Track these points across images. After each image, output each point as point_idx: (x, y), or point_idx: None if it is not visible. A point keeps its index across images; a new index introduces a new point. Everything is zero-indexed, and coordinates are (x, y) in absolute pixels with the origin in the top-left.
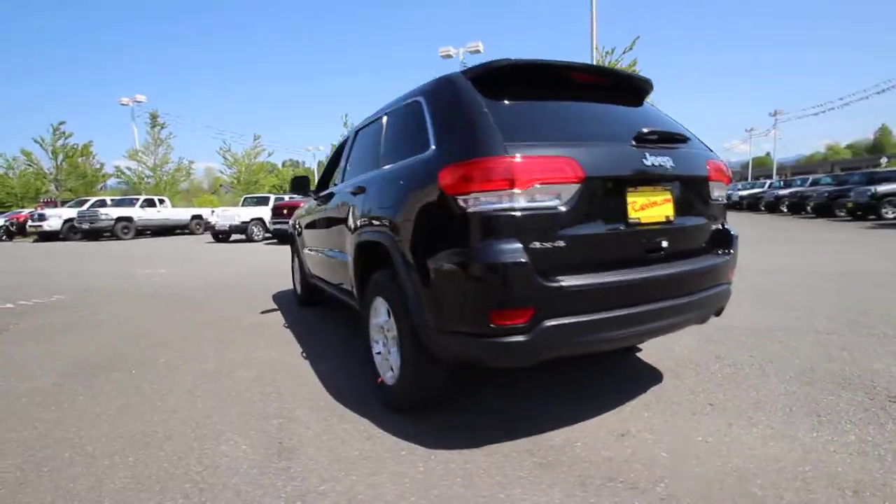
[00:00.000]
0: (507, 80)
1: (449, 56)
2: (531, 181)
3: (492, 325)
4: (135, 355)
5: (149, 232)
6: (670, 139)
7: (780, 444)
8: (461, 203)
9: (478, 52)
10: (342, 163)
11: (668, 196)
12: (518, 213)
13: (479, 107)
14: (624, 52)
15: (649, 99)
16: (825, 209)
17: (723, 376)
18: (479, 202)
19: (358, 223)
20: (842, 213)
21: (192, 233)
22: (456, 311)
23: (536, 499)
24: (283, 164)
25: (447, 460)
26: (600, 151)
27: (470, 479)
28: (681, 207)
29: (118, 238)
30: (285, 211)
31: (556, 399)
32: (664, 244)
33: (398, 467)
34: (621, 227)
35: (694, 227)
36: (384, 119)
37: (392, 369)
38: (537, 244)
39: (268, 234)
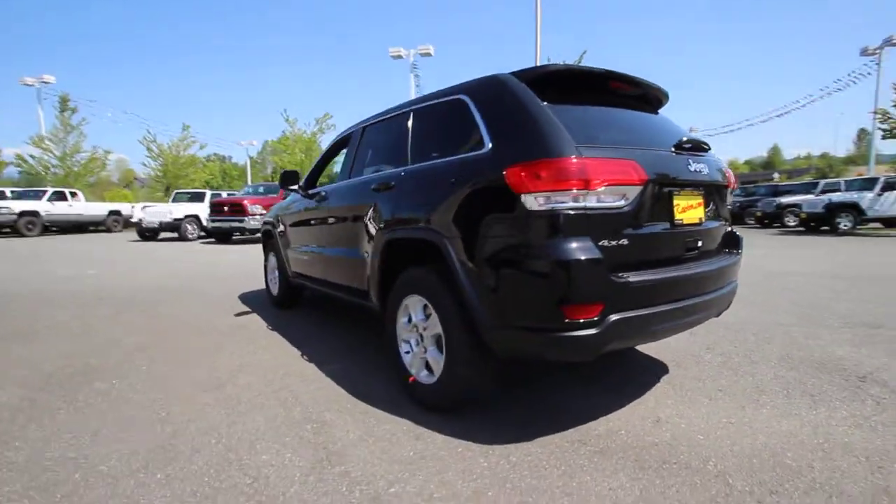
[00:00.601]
0: (558, 84)
1: (399, 56)
2: (603, 182)
3: (566, 321)
4: (109, 364)
5: (55, 229)
6: (700, 148)
7: (791, 422)
8: (533, 201)
9: (428, 54)
10: (347, 159)
11: (701, 200)
12: (590, 212)
13: (542, 108)
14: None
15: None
16: (737, 217)
17: (718, 364)
18: (551, 201)
19: (387, 220)
20: (751, 221)
21: (108, 230)
22: (527, 308)
23: (607, 484)
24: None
25: (506, 454)
26: (655, 156)
27: (538, 471)
28: (708, 210)
29: (21, 235)
30: (226, 208)
31: (581, 392)
32: (699, 244)
33: (462, 464)
34: (669, 228)
35: (716, 228)
36: (410, 116)
37: (428, 368)
38: (605, 242)
39: (203, 233)
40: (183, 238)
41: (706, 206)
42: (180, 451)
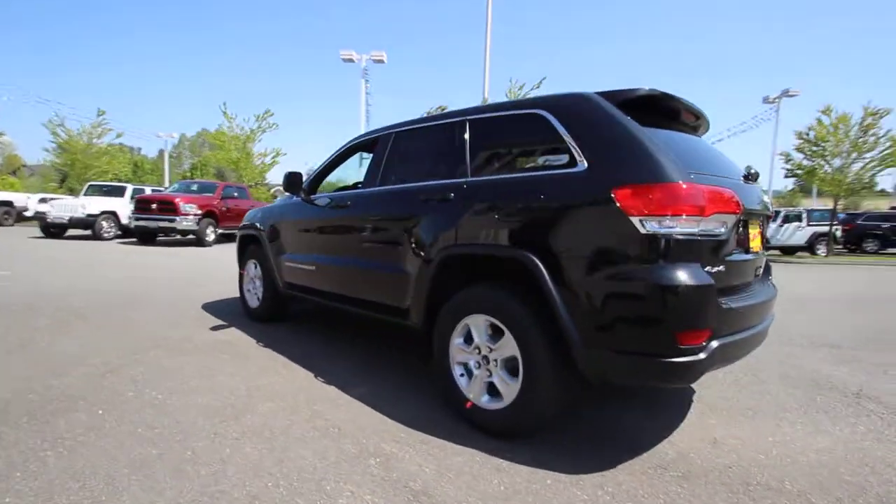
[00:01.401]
0: (642, 108)
1: (350, 60)
2: (714, 210)
3: (678, 346)
4: (81, 389)
5: None
6: (756, 178)
7: (824, 438)
8: (647, 225)
9: (381, 61)
10: (373, 166)
11: (759, 229)
12: (701, 238)
13: (643, 131)
14: (532, 88)
15: None
16: None
17: (732, 383)
18: (666, 225)
19: (444, 235)
20: None
21: None
22: (636, 332)
23: None
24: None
25: (598, 484)
26: (737, 186)
27: (638, 500)
28: (762, 240)
29: None
30: (154, 206)
31: (630, 415)
32: (759, 271)
33: (560, 497)
34: (746, 255)
35: (765, 256)
36: (466, 126)
37: (492, 392)
38: (710, 268)
39: (120, 232)
40: (97, 237)
41: (761, 234)
42: (234, 499)
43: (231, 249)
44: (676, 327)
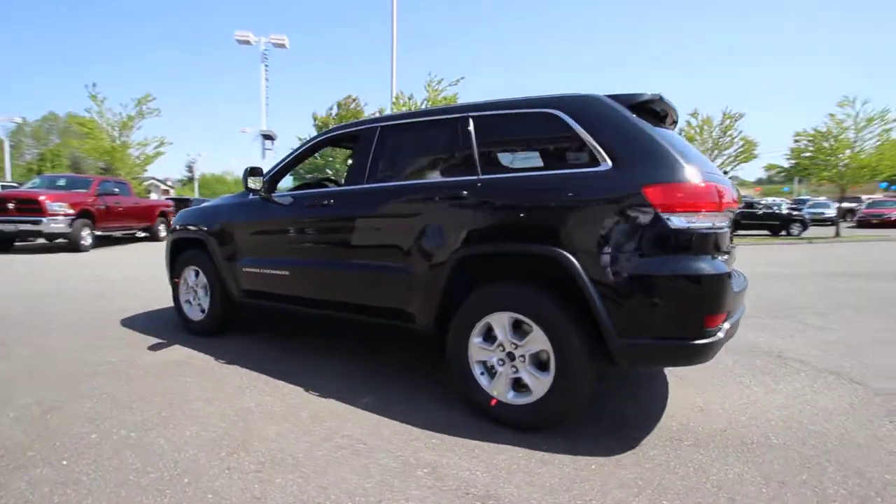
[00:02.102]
0: (644, 111)
1: (247, 42)
2: (727, 204)
3: (704, 329)
4: (23, 437)
5: None
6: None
7: (777, 396)
8: (676, 220)
9: (283, 46)
10: (359, 162)
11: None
12: (716, 231)
13: (658, 133)
14: (450, 85)
15: None
16: None
17: None
18: (692, 220)
19: (459, 234)
20: None
21: None
22: (667, 320)
23: (735, 470)
24: None
25: (636, 462)
26: (723, 179)
27: (677, 472)
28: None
29: None
30: (11, 205)
31: (618, 397)
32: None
33: (612, 480)
34: (731, 244)
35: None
36: (469, 122)
37: (517, 388)
38: (720, 258)
39: None
40: None
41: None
42: None
43: (116, 255)
44: (704, 312)
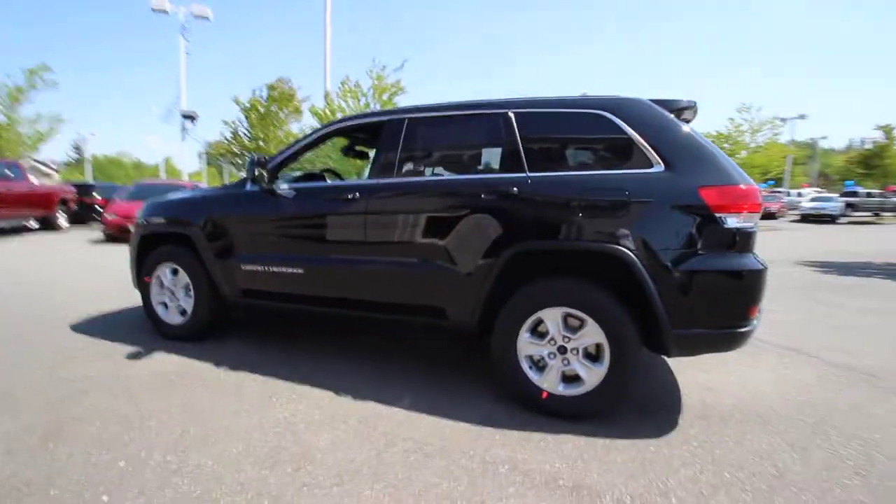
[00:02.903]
0: (679, 116)
1: (163, 11)
2: (762, 206)
3: (747, 319)
4: (28, 470)
5: None
6: None
7: (761, 373)
8: (729, 220)
9: (205, 18)
10: (385, 154)
11: None
12: (754, 230)
13: (704, 139)
14: (394, 70)
15: None
16: None
17: None
18: (740, 220)
19: (516, 230)
20: None
21: None
22: (718, 311)
23: (764, 441)
24: None
25: (685, 440)
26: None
27: (718, 446)
28: None
29: None
30: None
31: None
32: None
33: (674, 457)
34: None
35: None
36: (512, 120)
37: (567, 380)
38: (756, 254)
39: None
40: None
41: None
42: None
43: (15, 249)
44: (749, 303)
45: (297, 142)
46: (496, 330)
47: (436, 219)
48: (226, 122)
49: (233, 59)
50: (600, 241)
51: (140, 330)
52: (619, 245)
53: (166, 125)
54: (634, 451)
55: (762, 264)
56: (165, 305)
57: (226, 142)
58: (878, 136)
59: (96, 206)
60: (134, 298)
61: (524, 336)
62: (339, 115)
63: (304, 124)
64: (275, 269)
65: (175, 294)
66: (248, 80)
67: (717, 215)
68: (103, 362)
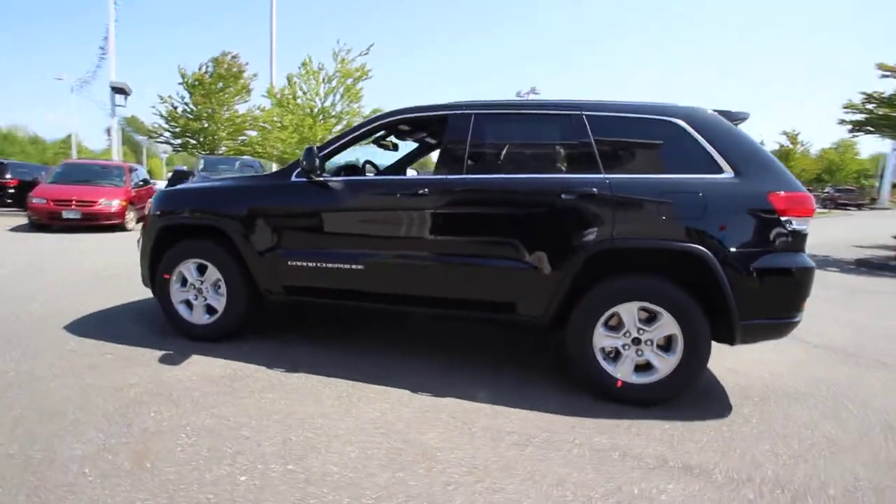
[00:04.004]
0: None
1: None
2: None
3: (800, 310)
4: (137, 492)
5: None
6: None
7: (769, 355)
8: (792, 223)
9: None
10: (452, 150)
11: None
12: (806, 232)
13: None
14: (360, 54)
15: None
16: None
17: None
18: (799, 223)
19: (598, 230)
20: None
21: None
22: (780, 303)
23: (805, 416)
24: None
25: (746, 418)
26: None
27: (783, 423)
28: None
29: None
30: None
31: None
32: None
33: (748, 437)
34: None
35: None
36: (584, 122)
37: (640, 369)
38: None
39: None
40: None
41: None
42: None
43: None
44: (804, 296)
45: (348, 132)
46: (572, 324)
47: (511, 217)
48: (162, 99)
49: (169, 34)
50: (681, 240)
51: (143, 328)
52: (698, 245)
53: (81, 98)
54: (712, 431)
55: (812, 262)
56: (189, 304)
57: (163, 119)
58: (782, 140)
59: (8, 189)
60: (107, 294)
61: (599, 329)
62: (300, 98)
63: (252, 104)
64: (330, 265)
65: (202, 292)
66: (183, 58)
67: (783, 218)
68: (135, 367)
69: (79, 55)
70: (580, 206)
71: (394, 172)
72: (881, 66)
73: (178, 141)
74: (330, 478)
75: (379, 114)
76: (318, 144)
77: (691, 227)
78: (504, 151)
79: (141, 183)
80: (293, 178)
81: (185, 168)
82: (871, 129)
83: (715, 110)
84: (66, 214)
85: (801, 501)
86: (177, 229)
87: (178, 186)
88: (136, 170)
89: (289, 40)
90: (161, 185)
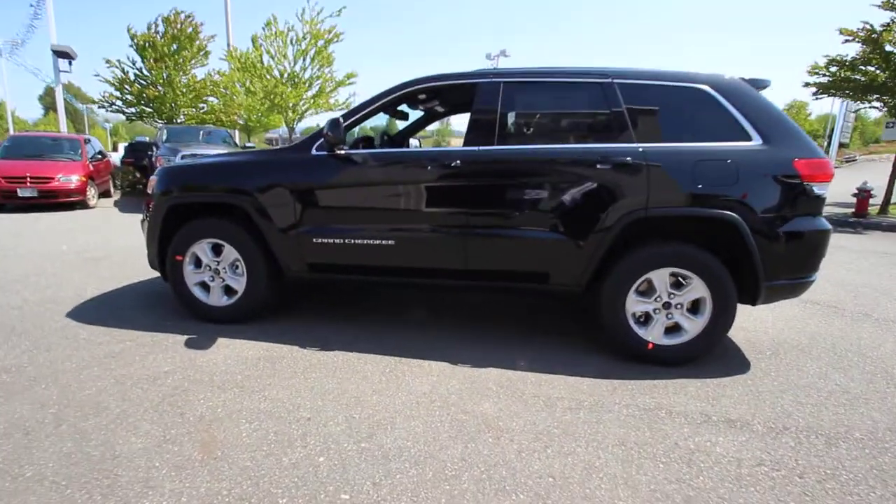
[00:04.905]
0: None
1: None
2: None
3: (817, 269)
4: (249, 479)
5: None
6: None
7: (784, 314)
8: (815, 188)
9: None
10: (480, 120)
11: None
12: (826, 196)
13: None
14: (330, 15)
15: None
16: None
17: None
18: (821, 187)
19: (634, 199)
20: None
21: None
22: (805, 263)
23: (813, 367)
24: None
25: (766, 372)
26: None
27: (802, 375)
28: None
29: None
30: None
31: None
32: None
33: (775, 389)
34: None
35: None
36: (615, 90)
37: (669, 331)
38: None
39: None
40: None
41: None
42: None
43: None
44: (822, 256)
45: (372, 101)
46: (606, 292)
47: (546, 188)
48: (110, 63)
49: None
50: (713, 207)
51: (153, 312)
52: (731, 211)
53: (11, 64)
54: (740, 386)
55: (830, 225)
56: (206, 286)
57: (112, 86)
58: None
59: None
60: (101, 278)
61: (632, 295)
62: (266, 61)
63: (211, 68)
64: (359, 241)
65: (219, 273)
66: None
67: (806, 184)
68: (163, 354)
69: (6, 15)
70: (616, 176)
71: (396, 143)
72: (843, 31)
73: (133, 110)
74: (406, 452)
75: (404, 81)
76: (342, 115)
77: (723, 194)
78: (534, 121)
79: (98, 156)
80: (314, 152)
81: (146, 139)
82: (835, 91)
83: (743, 79)
84: (21, 193)
85: (834, 445)
86: (188, 208)
87: (183, 162)
88: (90, 141)
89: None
90: (114, 157)
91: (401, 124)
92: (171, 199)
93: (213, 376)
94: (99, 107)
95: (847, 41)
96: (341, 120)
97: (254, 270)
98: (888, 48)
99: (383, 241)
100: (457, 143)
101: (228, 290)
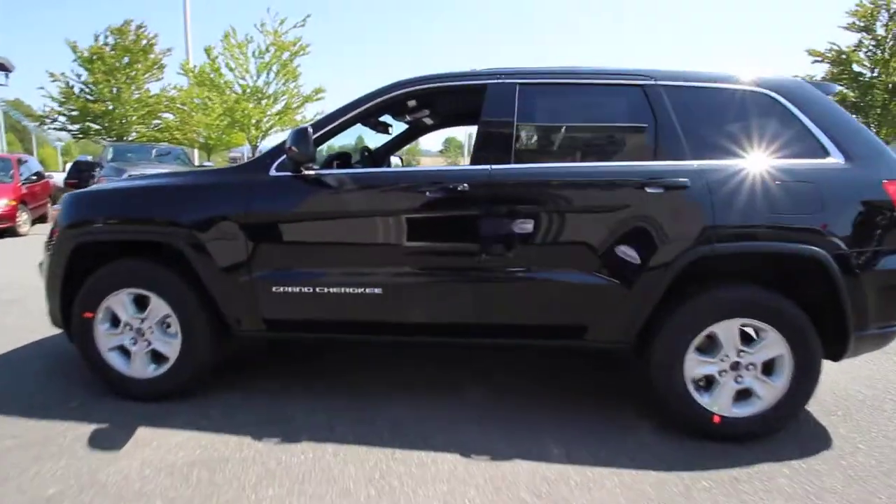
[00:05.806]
0: None
1: None
2: None
3: None
4: None
5: None
6: None
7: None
8: None
9: None
10: (492, 132)
11: None
12: None
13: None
14: (294, 26)
15: None
16: None
17: None
18: None
19: (695, 231)
20: None
21: None
22: (893, 309)
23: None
24: None
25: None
26: None
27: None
28: None
29: None
30: None
31: None
32: None
33: (869, 468)
34: None
35: None
36: (662, 94)
37: (738, 398)
38: None
39: None
40: None
41: None
42: None
43: None
44: None
45: (349, 107)
46: (658, 349)
47: (580, 217)
48: (53, 76)
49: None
50: (796, 241)
51: (59, 382)
52: (815, 245)
53: None
54: (834, 469)
55: None
56: (126, 352)
57: (55, 101)
58: None
59: None
60: (5, 328)
61: (692, 354)
62: (227, 75)
63: (166, 83)
64: (333, 289)
65: (143, 334)
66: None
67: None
68: (56, 460)
69: None
70: (670, 202)
71: (379, 162)
72: (812, 52)
73: (77, 126)
74: None
75: (390, 84)
76: (310, 125)
77: (805, 225)
78: (561, 133)
79: (34, 177)
80: (273, 172)
81: (88, 158)
82: None
83: (815, 84)
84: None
85: None
86: (100, 247)
87: (98, 187)
88: (26, 161)
89: (207, 12)
90: (60, 177)
91: (382, 139)
92: (77, 236)
93: (118, 502)
94: (40, 124)
95: (816, 62)
96: (310, 131)
97: (190, 330)
98: (856, 68)
99: (366, 290)
100: (427, 164)
101: (156, 357)
